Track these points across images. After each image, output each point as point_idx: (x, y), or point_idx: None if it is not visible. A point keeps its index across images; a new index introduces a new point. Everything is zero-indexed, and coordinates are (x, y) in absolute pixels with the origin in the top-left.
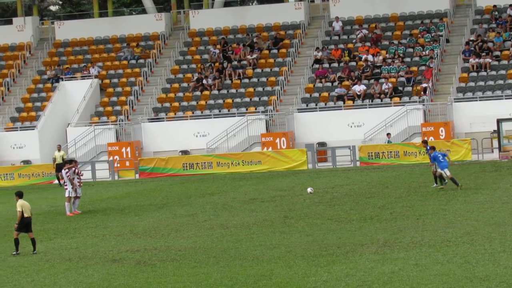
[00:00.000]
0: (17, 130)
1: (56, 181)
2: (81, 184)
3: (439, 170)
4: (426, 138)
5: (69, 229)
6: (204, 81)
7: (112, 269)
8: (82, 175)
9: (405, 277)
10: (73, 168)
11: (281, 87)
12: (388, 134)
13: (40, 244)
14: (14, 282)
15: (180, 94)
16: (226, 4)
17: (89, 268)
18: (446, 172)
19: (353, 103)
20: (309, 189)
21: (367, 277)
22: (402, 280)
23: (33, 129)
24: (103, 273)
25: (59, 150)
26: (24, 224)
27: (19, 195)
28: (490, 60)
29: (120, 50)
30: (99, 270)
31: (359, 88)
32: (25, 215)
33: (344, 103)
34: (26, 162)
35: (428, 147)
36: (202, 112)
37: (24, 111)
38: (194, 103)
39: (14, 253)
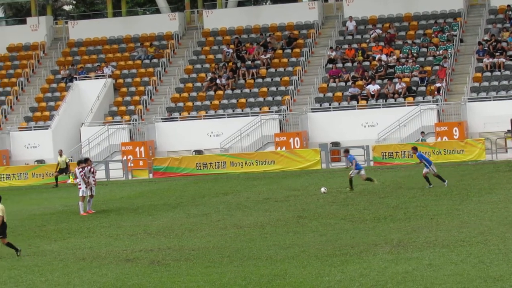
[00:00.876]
0: (31, 130)
1: (69, 181)
2: (96, 183)
3: (425, 170)
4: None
5: (83, 228)
6: (218, 81)
7: (126, 269)
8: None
9: (419, 277)
10: (89, 167)
11: (294, 87)
12: (422, 133)
13: (54, 244)
14: (28, 281)
15: (194, 94)
16: (239, 4)
17: (103, 267)
18: (362, 172)
19: (367, 103)
20: (322, 189)
21: (380, 277)
22: (415, 280)
23: (47, 129)
24: (117, 272)
25: (61, 155)
26: (3, 229)
27: None
28: (504, 60)
29: (133, 49)
30: (113, 270)
31: (373, 88)
32: (5, 220)
33: (357, 103)
34: (40, 161)
35: (350, 155)
36: (215, 112)
37: (38, 110)
38: (207, 102)
39: (19, 253)
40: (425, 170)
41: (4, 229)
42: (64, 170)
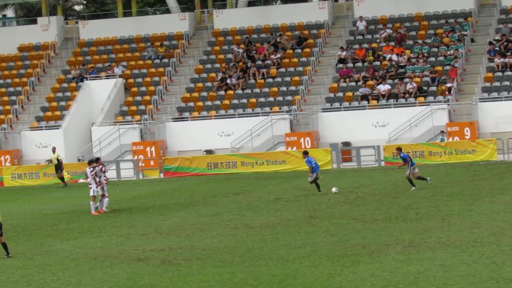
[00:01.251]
0: (42, 129)
1: (82, 180)
2: (107, 182)
3: (407, 172)
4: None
5: (94, 228)
6: (228, 81)
7: (137, 268)
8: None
9: (431, 277)
10: (100, 166)
11: (305, 87)
12: (442, 132)
13: (65, 243)
14: (40, 280)
15: (204, 94)
16: (250, 4)
17: (114, 267)
18: (311, 176)
19: (378, 102)
20: (333, 189)
21: (392, 277)
22: (428, 281)
23: (58, 129)
24: (128, 272)
25: (54, 152)
26: None
27: None
28: None
29: (144, 49)
30: (124, 269)
31: (383, 87)
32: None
33: (368, 102)
34: (51, 161)
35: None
36: (226, 112)
37: (49, 110)
38: (218, 102)
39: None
40: (407, 172)
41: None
42: (56, 167)
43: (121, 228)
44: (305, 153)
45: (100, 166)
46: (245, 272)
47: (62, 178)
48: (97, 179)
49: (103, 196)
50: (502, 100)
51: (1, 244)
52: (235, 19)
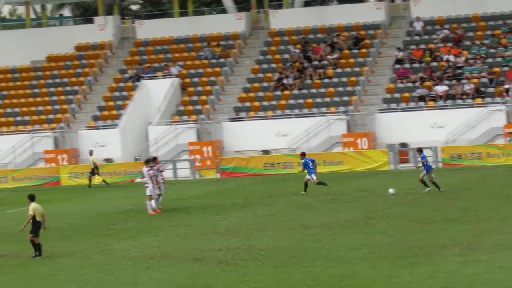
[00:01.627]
0: (99, 129)
1: (138, 179)
2: (164, 182)
3: (307, 176)
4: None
5: (151, 227)
6: (285, 81)
7: (195, 268)
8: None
9: (489, 279)
10: (157, 166)
11: (362, 87)
12: (510, 133)
13: (122, 242)
14: (98, 279)
15: (261, 94)
16: (306, 4)
17: (172, 266)
18: (313, 177)
19: (435, 103)
20: (391, 190)
21: (450, 279)
22: (486, 283)
23: (115, 128)
24: (185, 271)
25: (91, 155)
26: (36, 228)
27: (32, 198)
28: None
29: (200, 49)
30: (182, 269)
31: (441, 88)
32: (37, 219)
33: (425, 103)
34: (108, 160)
35: (305, 159)
36: (282, 112)
37: (106, 109)
38: (274, 102)
39: (35, 256)
40: (421, 174)
41: (36, 229)
42: (93, 170)
43: (178, 228)
44: (303, 154)
45: (157, 166)
46: (303, 272)
47: (90, 179)
48: (154, 179)
49: (159, 195)
50: None
51: (34, 243)
52: (291, 19)
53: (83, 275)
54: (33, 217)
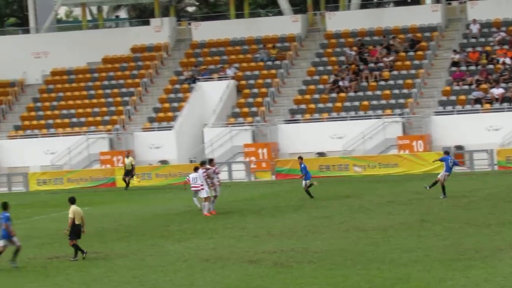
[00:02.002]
0: (154, 130)
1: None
2: (220, 184)
3: (307, 182)
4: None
5: (206, 229)
6: (341, 83)
7: (249, 270)
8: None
9: None
10: (213, 168)
11: (418, 90)
12: None
13: (177, 244)
14: (152, 281)
15: (316, 96)
16: (362, 6)
17: (226, 268)
18: (307, 183)
19: (491, 106)
20: (356, 168)
21: (506, 282)
22: None
23: (170, 130)
24: (240, 273)
25: (127, 157)
26: (75, 231)
27: (72, 201)
28: None
29: (256, 51)
30: (236, 271)
31: (497, 91)
32: (76, 222)
33: (481, 106)
34: (164, 162)
35: (303, 165)
36: (338, 114)
37: (161, 111)
38: (330, 105)
39: (72, 259)
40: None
41: (74, 231)
42: (129, 172)
43: (233, 230)
44: (300, 158)
45: (213, 168)
46: (357, 275)
47: (126, 181)
48: (209, 181)
49: (215, 197)
50: None
51: (74, 245)
52: (347, 21)
53: (138, 277)
54: (73, 220)
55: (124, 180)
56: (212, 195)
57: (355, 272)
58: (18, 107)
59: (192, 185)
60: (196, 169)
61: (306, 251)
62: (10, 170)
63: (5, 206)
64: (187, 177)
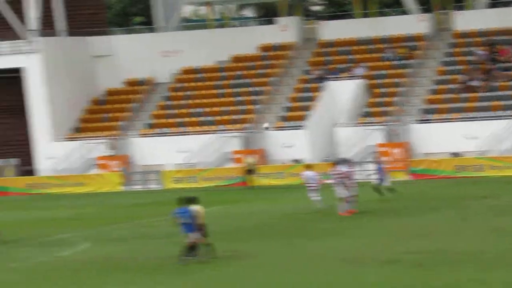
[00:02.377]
0: (285, 129)
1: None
2: (354, 184)
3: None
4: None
5: (341, 228)
6: (472, 83)
7: (387, 271)
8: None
9: None
10: (348, 167)
11: None
12: None
13: (312, 243)
14: (286, 280)
15: (447, 96)
16: (490, 5)
17: (363, 268)
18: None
19: None
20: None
21: None
22: None
23: (302, 129)
24: (377, 274)
25: (249, 158)
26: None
27: (192, 201)
28: None
29: (382, 50)
30: (373, 271)
31: None
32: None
33: None
34: (296, 161)
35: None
36: (468, 114)
37: (291, 110)
38: (461, 104)
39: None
40: None
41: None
42: (250, 171)
43: (368, 230)
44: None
45: (348, 167)
46: (497, 278)
47: (249, 180)
48: (345, 181)
49: (352, 196)
50: None
51: (203, 244)
52: (475, 20)
53: (272, 276)
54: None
55: (247, 180)
56: (347, 195)
57: (496, 274)
58: (149, 105)
59: (308, 184)
60: (308, 167)
61: (445, 252)
62: (144, 168)
63: (189, 201)
64: (302, 175)
